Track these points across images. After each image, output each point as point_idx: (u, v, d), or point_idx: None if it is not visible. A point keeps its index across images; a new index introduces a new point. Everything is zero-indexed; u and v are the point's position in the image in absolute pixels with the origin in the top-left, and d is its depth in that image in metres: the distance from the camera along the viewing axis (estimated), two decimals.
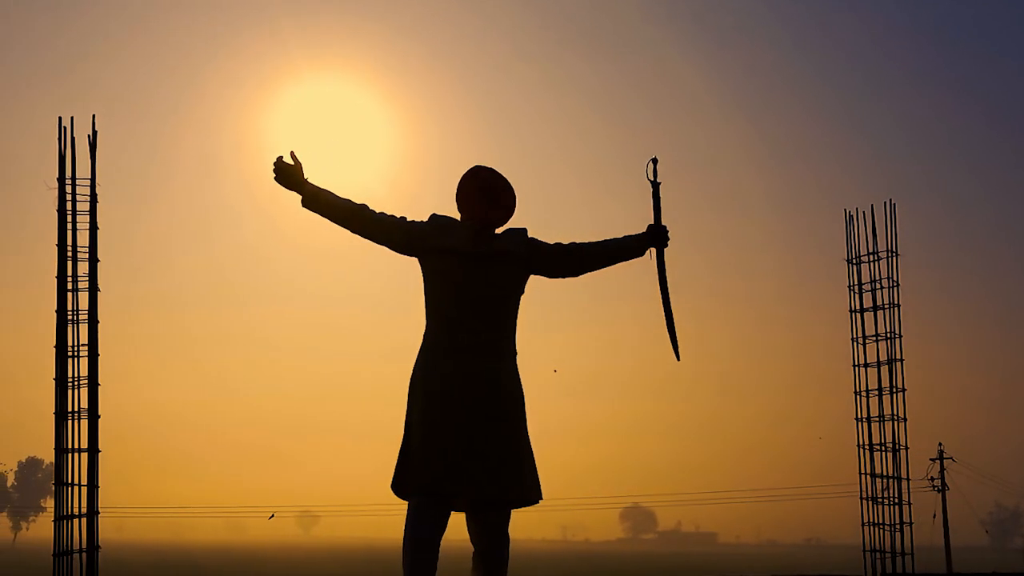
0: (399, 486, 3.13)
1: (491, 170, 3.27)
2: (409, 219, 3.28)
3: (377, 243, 3.25)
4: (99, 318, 4.88)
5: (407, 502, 3.11)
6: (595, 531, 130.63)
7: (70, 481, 4.68)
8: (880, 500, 5.52)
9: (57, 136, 4.98)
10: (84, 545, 4.70)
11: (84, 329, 4.91)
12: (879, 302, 5.77)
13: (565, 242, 3.38)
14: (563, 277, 3.37)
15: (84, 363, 4.84)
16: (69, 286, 4.95)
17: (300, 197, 3.20)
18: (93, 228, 5.01)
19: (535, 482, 3.21)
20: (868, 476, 5.58)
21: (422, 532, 3.05)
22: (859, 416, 5.70)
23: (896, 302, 5.74)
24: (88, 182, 5.02)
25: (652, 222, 3.39)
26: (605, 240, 3.38)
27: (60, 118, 5.02)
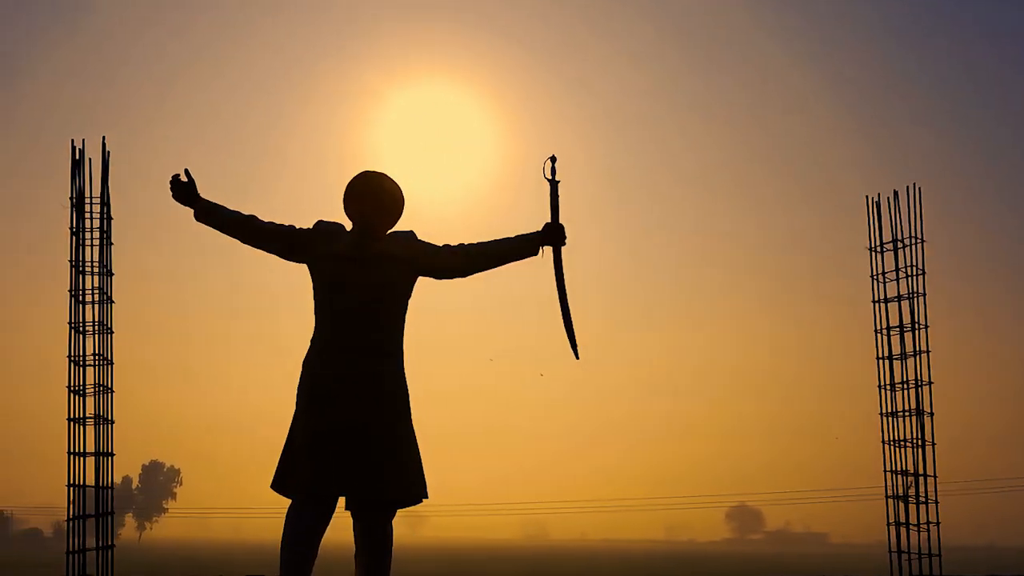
0: (280, 485, 3.16)
1: (375, 174, 3.33)
2: (299, 227, 3.35)
3: (266, 251, 3.35)
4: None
5: (289, 500, 3.14)
6: (700, 531, 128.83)
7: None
8: (905, 498, 5.25)
9: (71, 157, 5.18)
10: (100, 543, 4.90)
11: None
12: (903, 292, 5.50)
13: (454, 243, 3.39)
14: (450, 278, 3.39)
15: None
16: (91, 298, 5.16)
17: (193, 212, 3.37)
18: (103, 243, 5.20)
19: (418, 482, 3.22)
20: (891, 473, 5.32)
21: (300, 531, 3.09)
22: (883, 411, 5.44)
23: (922, 291, 5.47)
24: (107, 200, 5.22)
25: (549, 220, 3.39)
26: (496, 239, 3.39)
27: (72, 140, 5.23)
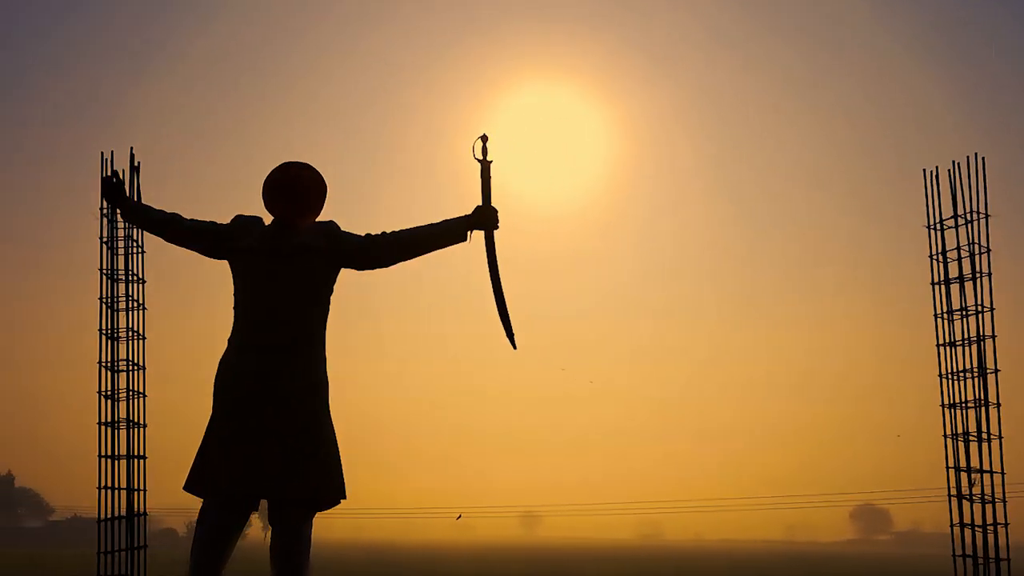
0: (193, 485, 3.07)
1: (291, 165, 3.24)
2: (219, 223, 3.31)
3: (191, 249, 3.32)
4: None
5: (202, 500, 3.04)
6: (823, 531, 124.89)
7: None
8: (970, 497, 4.81)
9: (100, 167, 5.27)
10: (128, 544, 4.96)
11: None
12: (966, 272, 5.04)
13: (376, 231, 3.25)
14: (371, 268, 3.25)
15: None
16: (123, 306, 5.23)
17: (120, 211, 3.50)
18: (136, 251, 5.26)
19: (334, 482, 3.08)
20: (955, 470, 4.88)
21: (212, 533, 2.99)
22: (944, 402, 5.00)
23: (987, 270, 5.01)
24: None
25: (480, 203, 3.20)
26: (420, 226, 3.22)
27: (102, 152, 5.31)
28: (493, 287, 3.30)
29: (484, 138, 3.27)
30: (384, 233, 3.23)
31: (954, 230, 5.10)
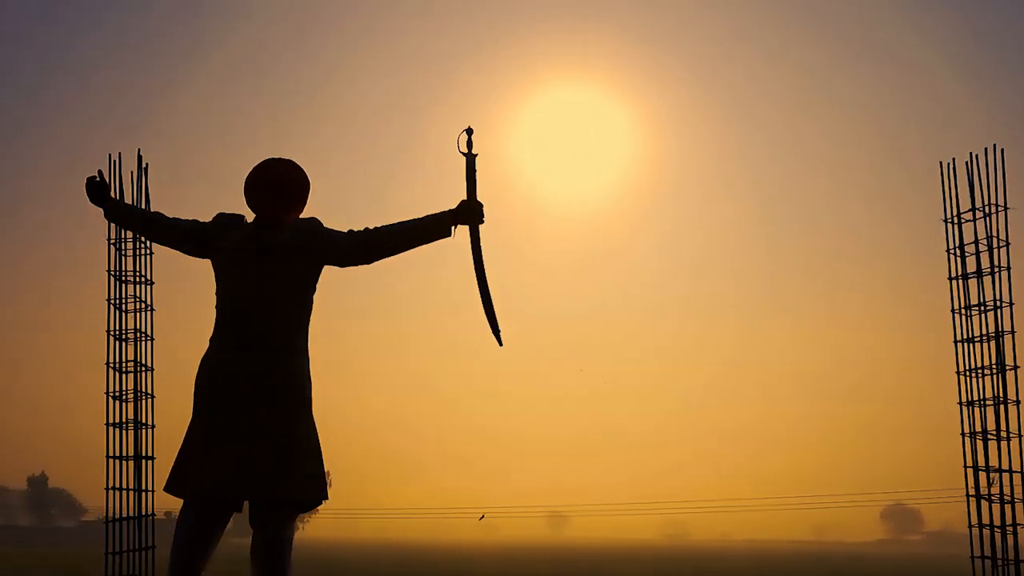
0: (173, 486, 3.03)
1: (272, 162, 3.19)
2: (201, 221, 3.26)
3: (177, 250, 3.28)
4: None
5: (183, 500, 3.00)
6: (853, 531, 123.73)
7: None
8: (988, 497, 4.69)
9: (108, 169, 5.27)
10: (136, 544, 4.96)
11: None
12: (984, 266, 4.92)
13: (360, 228, 3.20)
14: (354, 265, 3.21)
15: None
16: (131, 307, 5.23)
17: (102, 211, 3.36)
18: (136, 253, 5.27)
19: (314, 482, 3.02)
20: (973, 470, 4.76)
21: (190, 535, 2.95)
22: (962, 400, 4.88)
23: (1006, 264, 4.88)
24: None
25: (465, 197, 3.14)
26: (403, 221, 3.17)
27: (110, 154, 5.32)
28: (478, 282, 3.25)
29: (469, 131, 3.22)
30: (367, 229, 3.19)
31: (972, 223, 4.98)
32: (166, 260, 5.51)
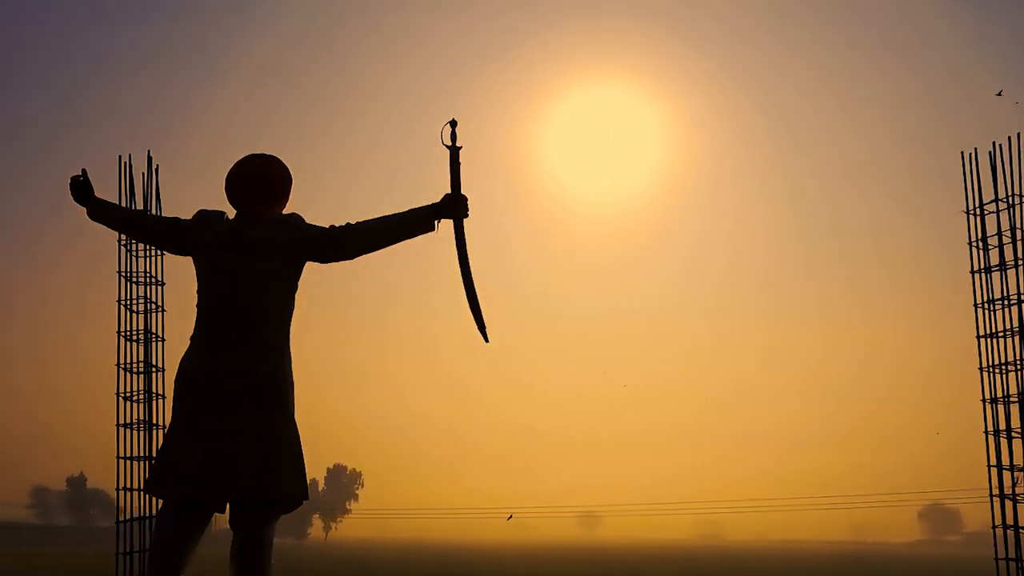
0: (152, 486, 2.99)
1: (252, 157, 3.14)
2: (182, 219, 3.24)
3: (159, 247, 3.31)
4: None
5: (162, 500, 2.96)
6: (890, 532, 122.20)
7: None
8: (1013, 497, 4.54)
9: (118, 171, 5.28)
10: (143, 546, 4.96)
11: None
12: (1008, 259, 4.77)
13: (342, 223, 3.15)
14: (335, 260, 3.15)
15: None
16: (138, 307, 5.23)
17: (86, 210, 3.35)
18: (147, 254, 5.27)
19: (296, 482, 2.97)
20: (997, 469, 4.62)
21: (169, 535, 2.91)
22: (985, 397, 4.74)
23: None
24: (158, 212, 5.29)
25: (449, 191, 3.08)
26: (386, 216, 3.10)
27: (119, 155, 5.33)
28: (463, 278, 3.19)
29: (453, 123, 3.17)
30: (348, 224, 3.14)
31: (995, 215, 4.84)
32: (176, 261, 5.49)
